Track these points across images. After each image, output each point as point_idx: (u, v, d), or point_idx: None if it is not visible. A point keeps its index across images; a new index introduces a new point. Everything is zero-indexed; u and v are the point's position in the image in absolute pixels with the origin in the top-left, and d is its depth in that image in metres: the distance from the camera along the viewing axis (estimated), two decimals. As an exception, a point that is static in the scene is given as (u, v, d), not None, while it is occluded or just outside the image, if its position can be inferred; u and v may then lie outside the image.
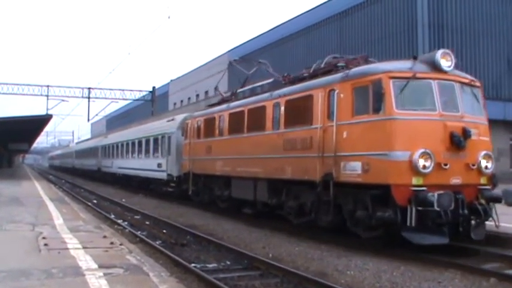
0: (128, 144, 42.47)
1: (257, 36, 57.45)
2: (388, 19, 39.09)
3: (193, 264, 12.28)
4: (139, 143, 38.61)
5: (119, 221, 20.71)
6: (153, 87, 70.73)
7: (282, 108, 17.06)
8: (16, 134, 58.26)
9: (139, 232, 17.71)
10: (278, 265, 11.94)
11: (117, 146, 46.37)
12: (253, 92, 20.88)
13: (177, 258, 12.78)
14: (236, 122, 20.52)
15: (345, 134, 13.77)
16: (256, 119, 18.73)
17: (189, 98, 72.07)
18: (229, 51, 62.14)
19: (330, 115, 14.52)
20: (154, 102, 68.94)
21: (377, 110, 12.87)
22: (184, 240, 16.04)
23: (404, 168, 12.33)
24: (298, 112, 16.18)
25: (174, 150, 29.81)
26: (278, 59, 47.94)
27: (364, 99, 13.33)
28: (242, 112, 20.00)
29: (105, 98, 66.52)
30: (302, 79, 17.32)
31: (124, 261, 10.63)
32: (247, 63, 26.98)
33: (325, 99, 14.76)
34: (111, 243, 12.89)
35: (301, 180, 15.80)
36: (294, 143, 16.11)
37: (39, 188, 36.82)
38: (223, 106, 22.68)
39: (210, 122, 23.49)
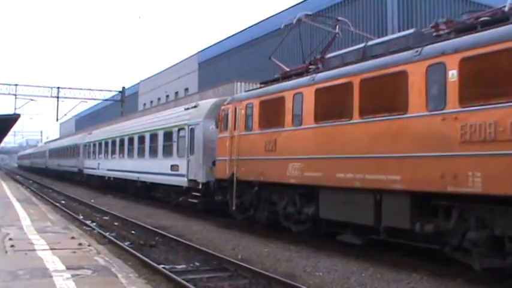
0: (122, 140, 34.45)
1: (228, 38, 57.37)
2: (360, 19, 39.36)
3: (161, 265, 12.21)
4: (141, 138, 30.39)
5: (88, 222, 20.54)
6: (123, 88, 70.09)
7: (454, 72, 10.61)
8: (-17, 133, 57.40)
9: (108, 233, 17.59)
10: (247, 266, 11.97)
11: (106, 144, 38.49)
12: (363, 55, 13.74)
13: (145, 259, 12.76)
14: (331, 103, 14.10)
15: None
16: (381, 94, 12.49)
17: (158, 99, 71.63)
18: (198, 52, 62.00)
19: None
20: (123, 103, 68.42)
21: None
22: (153, 241, 15.96)
23: None
24: (498, 78, 9.96)
25: (200, 148, 21.87)
26: (250, 60, 47.99)
27: None
28: (346, 86, 13.36)
29: (75, 98, 65.76)
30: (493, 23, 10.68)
31: (92, 263, 10.57)
32: (323, 18, 20.35)
33: None
34: (79, 244, 12.81)
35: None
36: (489, 133, 9.86)
37: (6, 188, 36.37)
38: (302, 80, 15.46)
39: (272, 106, 16.59)
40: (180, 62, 66.36)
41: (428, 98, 11.10)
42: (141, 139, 30.15)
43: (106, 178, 37.60)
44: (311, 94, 14.65)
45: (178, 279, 10.62)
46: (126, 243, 15.43)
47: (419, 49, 11.55)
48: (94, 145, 42.42)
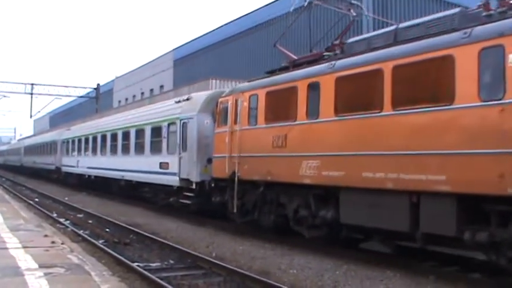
0: (104, 136, 32.25)
1: (203, 35, 57.24)
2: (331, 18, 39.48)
3: (136, 263, 12.10)
4: (125, 134, 28.21)
5: (61, 220, 20.21)
6: (98, 84, 69.49)
7: None
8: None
9: (81, 231, 17.31)
10: (221, 264, 11.91)
11: (87, 140, 36.12)
12: (394, 39, 12.03)
13: (119, 257, 12.64)
14: (356, 93, 12.44)
15: None
16: (419, 83, 10.92)
17: (134, 96, 71.23)
18: (174, 49, 61.84)
19: None
20: (98, 100, 67.94)
21: None
22: (127, 239, 15.76)
23: None
24: None
25: (193, 144, 19.98)
26: (225, 58, 47.98)
27: None
28: (375, 73, 11.67)
29: (49, 95, 64.98)
30: None
31: (65, 261, 10.50)
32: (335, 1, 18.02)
33: None
34: (53, 242, 12.72)
35: None
36: None
37: (-22, 186, 35.97)
38: (319, 67, 13.66)
39: (282, 97, 14.83)
40: (156, 59, 66.12)
41: (480, 86, 9.64)
42: (126, 135, 28.04)
43: (86, 176, 35.41)
44: (330, 83, 12.87)
45: (153, 277, 10.55)
46: (100, 241, 15.30)
47: (469, 30, 10.03)
48: (73, 142, 40.02)
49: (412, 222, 10.74)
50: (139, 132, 25.98)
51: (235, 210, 16.47)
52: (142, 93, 67.49)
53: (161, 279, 10.48)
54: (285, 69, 15.65)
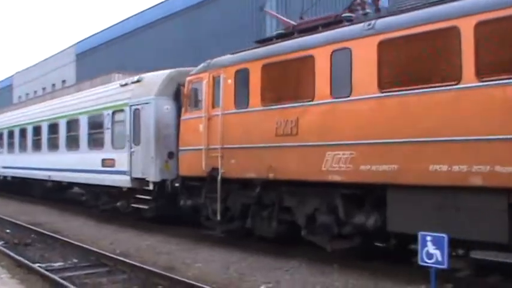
0: (23, 130, 27.33)
1: (106, 29, 56.19)
2: (238, 11, 39.65)
3: (37, 264, 11.74)
4: (52, 127, 23.58)
5: (-43, 222, 19.52)
6: (-5, 80, 67.26)
7: None
8: None
9: (-22, 234, 16.78)
10: (125, 261, 11.75)
11: (0, 135, 31.11)
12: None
13: (19, 258, 12.26)
14: (413, 60, 9.39)
15: None
16: None
17: (35, 92, 69.21)
18: (76, 43, 60.49)
19: None
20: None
21: None
22: (29, 240, 15.34)
23: None
24: None
25: (151, 136, 16.20)
26: (129, 51, 47.31)
27: None
28: (446, 34, 8.87)
29: None
30: None
31: (-40, 266, 10.11)
32: None
33: None
34: None
35: None
36: None
37: None
38: (349, 29, 10.73)
39: (288, 70, 11.70)
40: (57, 53, 64.51)
41: None
42: (53, 128, 23.39)
43: (1, 178, 30.43)
44: (370, 49, 9.90)
45: (54, 277, 10.28)
46: (0, 243, 14.84)
47: None
48: None
49: None
50: (72, 124, 21.58)
51: (218, 217, 13.32)
52: (43, 89, 65.69)
53: (64, 279, 10.24)
54: (283, 37, 12.54)
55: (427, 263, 7.68)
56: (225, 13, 40.13)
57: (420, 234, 7.84)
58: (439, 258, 7.52)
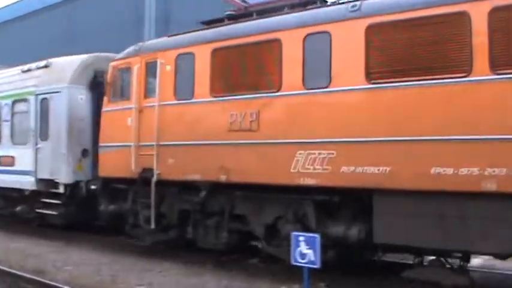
0: None
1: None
2: (116, 9, 38.75)
3: None
4: None
5: None
6: None
7: None
8: None
9: None
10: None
11: None
12: None
13: None
14: (407, 48, 8.28)
15: None
16: None
17: None
18: None
19: None
20: None
21: None
22: None
23: None
24: None
25: (62, 130, 14.17)
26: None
27: None
28: (453, 20, 7.87)
29: None
30: None
31: None
32: None
33: None
34: None
35: None
36: None
37: None
38: (329, 10, 9.48)
39: (246, 56, 10.15)
40: None
41: None
42: None
43: None
44: (356, 34, 8.64)
45: None
46: None
47: None
48: None
49: None
50: None
51: (153, 225, 11.43)
52: None
53: None
54: (236, 18, 10.97)
55: (300, 262, 7.82)
56: (102, 9, 39.17)
57: (293, 234, 7.97)
58: (312, 258, 7.66)
